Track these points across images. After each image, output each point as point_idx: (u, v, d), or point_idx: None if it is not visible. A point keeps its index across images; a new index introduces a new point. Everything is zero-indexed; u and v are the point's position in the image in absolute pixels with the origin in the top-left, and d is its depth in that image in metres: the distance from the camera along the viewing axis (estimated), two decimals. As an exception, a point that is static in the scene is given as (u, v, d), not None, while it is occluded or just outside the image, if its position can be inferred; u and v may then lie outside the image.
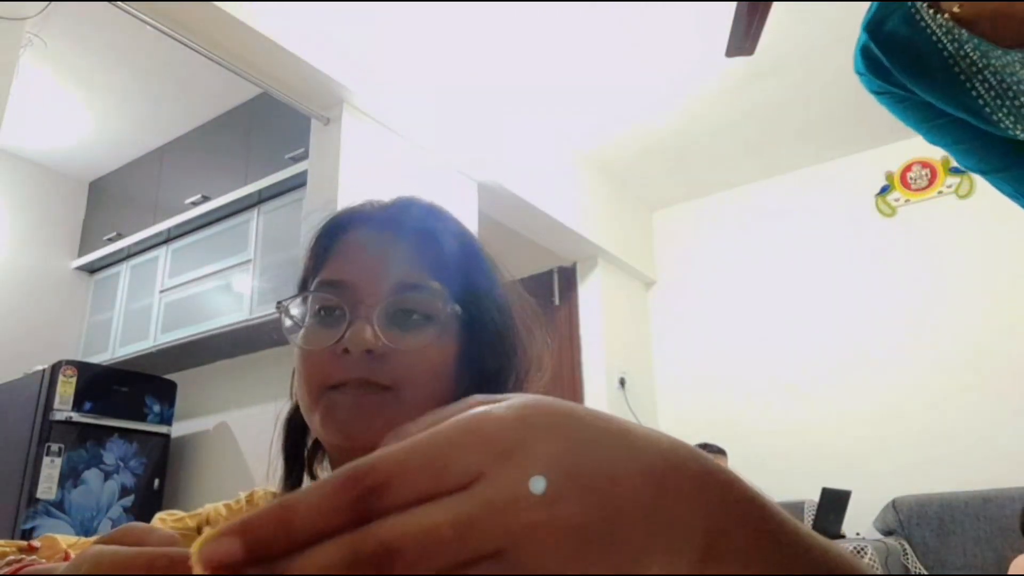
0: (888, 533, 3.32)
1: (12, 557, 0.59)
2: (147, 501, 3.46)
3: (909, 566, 3.17)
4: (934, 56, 0.79)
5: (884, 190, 3.98)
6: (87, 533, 3.04)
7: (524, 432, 0.24)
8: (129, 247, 3.93)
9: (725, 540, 0.26)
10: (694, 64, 3.34)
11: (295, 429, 0.69)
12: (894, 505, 3.38)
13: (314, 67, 2.57)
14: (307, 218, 2.70)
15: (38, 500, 3.12)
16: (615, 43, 3.22)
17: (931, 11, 0.78)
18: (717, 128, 3.84)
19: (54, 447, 3.22)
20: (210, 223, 3.60)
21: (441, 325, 0.61)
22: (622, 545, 0.24)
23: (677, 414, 4.29)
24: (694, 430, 3.84)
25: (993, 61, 0.76)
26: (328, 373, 0.59)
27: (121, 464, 3.42)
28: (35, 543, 0.65)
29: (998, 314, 3.54)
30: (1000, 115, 0.77)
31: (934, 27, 0.78)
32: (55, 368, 3.33)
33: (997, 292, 3.56)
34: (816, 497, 3.19)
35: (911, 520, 3.32)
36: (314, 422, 0.60)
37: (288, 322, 0.63)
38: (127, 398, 3.50)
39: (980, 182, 3.25)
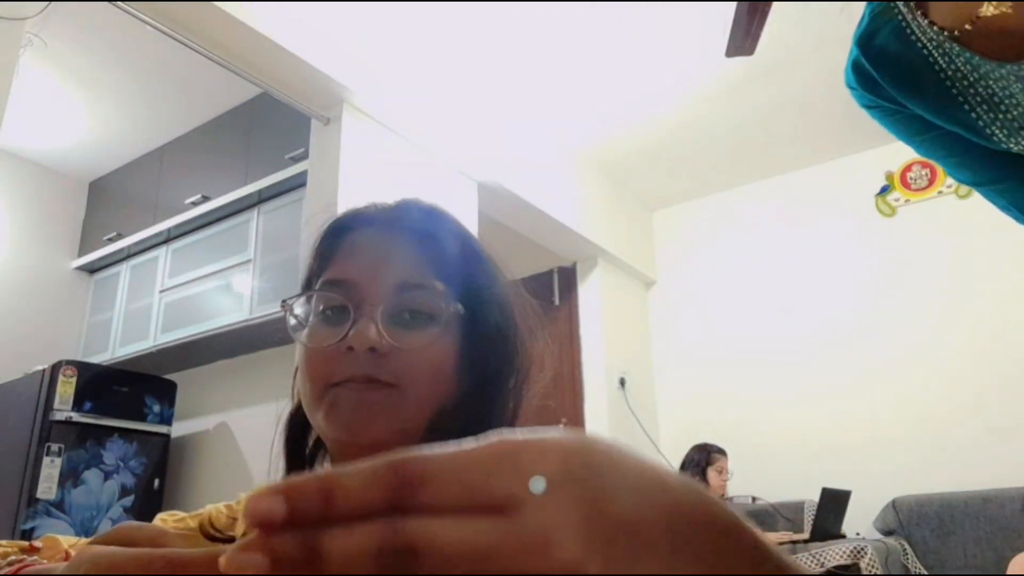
0: (888, 533, 3.32)
1: (13, 557, 0.59)
2: (147, 501, 3.46)
3: (909, 566, 3.17)
4: (925, 70, 0.79)
5: (884, 190, 3.98)
6: (87, 533, 3.04)
7: (565, 470, 0.25)
8: (129, 247, 3.93)
9: None
10: (694, 64, 3.34)
11: (296, 428, 0.69)
12: (894, 505, 3.38)
13: (314, 67, 2.57)
14: (309, 221, 2.69)
15: (38, 500, 3.13)
16: (615, 43, 3.22)
17: (922, 23, 0.77)
18: (717, 128, 3.85)
19: (54, 447, 3.22)
20: (210, 223, 3.60)
21: (443, 324, 0.61)
22: None
23: (677, 414, 4.30)
24: (694, 430, 3.85)
25: (985, 75, 0.75)
26: (332, 370, 0.59)
27: (121, 464, 3.42)
28: (37, 543, 0.65)
29: (998, 314, 3.54)
30: (993, 128, 0.77)
31: (924, 41, 0.78)
32: (55, 368, 3.33)
33: (997, 292, 3.56)
34: (816, 497, 3.19)
35: (911, 520, 3.32)
36: (317, 419, 0.61)
37: (292, 320, 0.64)
38: (127, 398, 3.50)
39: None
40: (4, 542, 0.64)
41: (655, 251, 4.69)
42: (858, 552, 2.81)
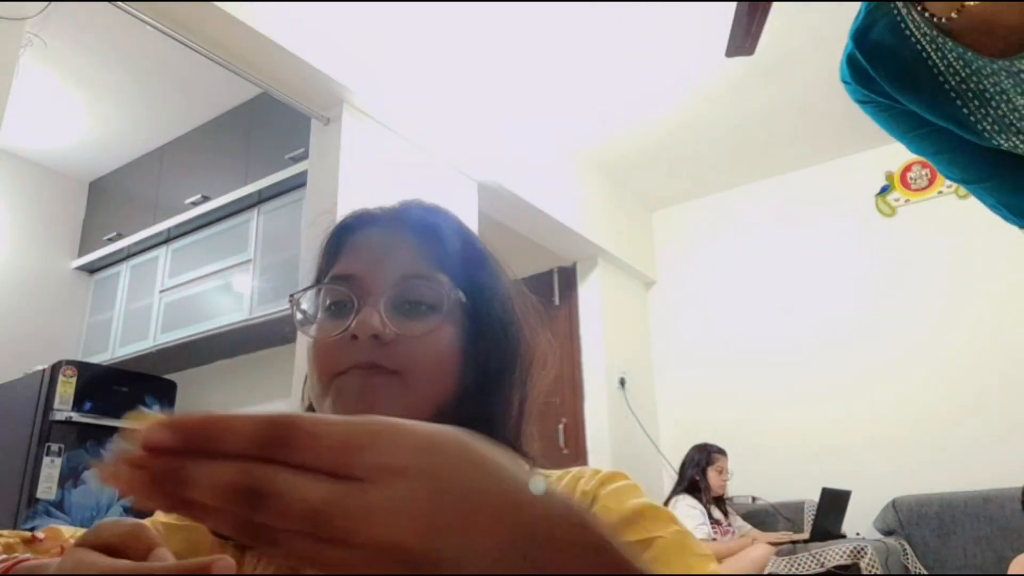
0: (888, 533, 3.32)
1: (4, 555, 0.60)
2: (147, 501, 3.45)
3: (909, 566, 3.17)
4: (919, 65, 0.79)
5: (884, 190, 3.98)
6: (87, 533, 3.03)
7: (424, 456, 0.28)
8: (129, 247, 3.93)
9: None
10: (694, 64, 3.34)
11: None
12: (894, 505, 3.38)
13: (314, 67, 2.57)
14: (313, 223, 2.69)
15: (38, 500, 3.12)
16: (615, 43, 3.22)
17: (916, 18, 0.77)
18: (717, 128, 3.84)
19: (54, 447, 3.22)
20: (210, 223, 3.60)
21: (446, 313, 0.63)
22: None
23: (677, 414, 4.29)
24: (694, 430, 3.85)
25: (977, 71, 0.75)
26: (338, 360, 0.61)
27: (121, 464, 3.42)
28: (39, 534, 0.65)
29: (998, 314, 3.54)
30: (985, 124, 0.77)
31: (919, 36, 0.78)
32: (55, 368, 3.33)
33: (997, 292, 3.56)
34: (816, 497, 3.19)
35: (911, 520, 3.32)
36: (324, 409, 0.62)
37: (299, 315, 0.66)
38: (127, 398, 3.50)
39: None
40: (6, 532, 0.65)
41: (655, 251, 4.69)
42: (858, 552, 2.81)
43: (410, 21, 3.01)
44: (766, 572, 2.96)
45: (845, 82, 0.88)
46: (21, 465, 3.21)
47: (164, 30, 2.30)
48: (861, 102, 0.88)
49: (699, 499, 3.38)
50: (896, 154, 3.90)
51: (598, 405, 4.00)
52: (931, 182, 3.85)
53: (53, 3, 2.29)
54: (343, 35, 2.71)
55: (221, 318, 3.34)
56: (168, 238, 3.79)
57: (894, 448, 3.60)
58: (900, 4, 0.79)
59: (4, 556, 0.60)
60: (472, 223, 3.24)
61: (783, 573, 2.91)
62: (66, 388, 3.29)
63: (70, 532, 0.65)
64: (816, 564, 2.87)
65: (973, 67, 0.75)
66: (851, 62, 0.86)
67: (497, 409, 0.65)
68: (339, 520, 0.26)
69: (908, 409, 3.63)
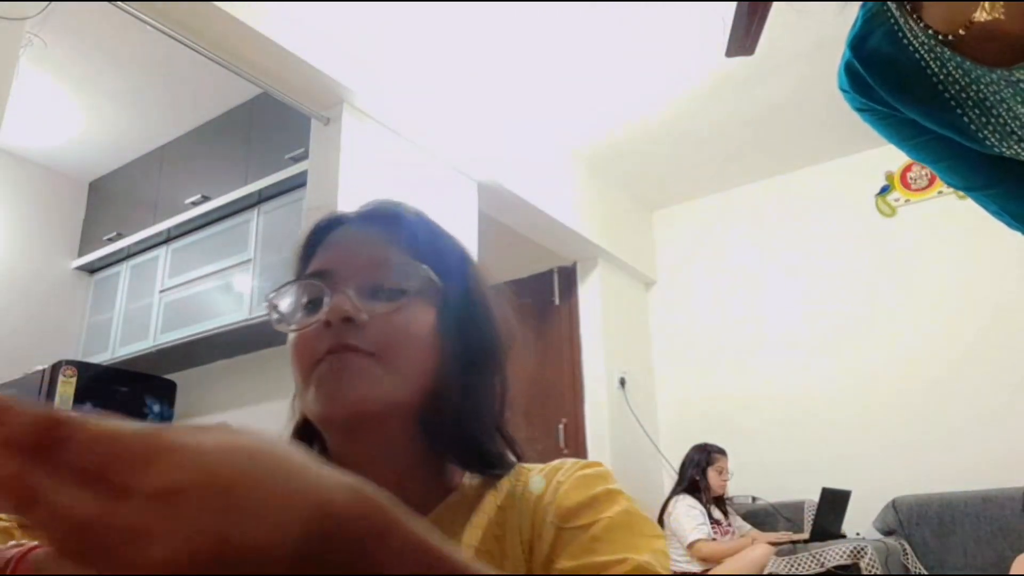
0: (888, 533, 3.32)
1: (14, 543, 0.60)
2: (147, 501, 3.45)
3: (909, 566, 3.17)
4: (918, 74, 0.78)
5: (884, 190, 3.98)
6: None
7: (205, 474, 0.27)
8: (129, 247, 3.92)
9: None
10: (694, 64, 3.34)
11: (300, 443, 0.70)
12: (894, 505, 3.38)
13: (314, 67, 2.57)
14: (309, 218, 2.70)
15: (38, 500, 3.12)
16: (615, 43, 3.22)
17: (914, 27, 0.76)
18: (718, 128, 3.84)
19: (54, 447, 3.21)
20: (210, 223, 3.59)
21: (416, 293, 0.64)
22: None
23: (677, 414, 4.29)
24: (694, 430, 3.85)
25: (976, 80, 0.75)
26: (314, 349, 0.62)
27: (121, 464, 3.41)
28: None
29: (998, 314, 3.54)
30: (986, 132, 0.77)
31: (917, 45, 0.77)
32: (55, 368, 3.33)
33: (997, 292, 3.56)
34: (816, 497, 3.19)
35: (911, 520, 3.32)
36: (307, 402, 0.62)
37: (276, 315, 0.67)
38: (127, 398, 3.50)
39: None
40: (3, 516, 0.65)
41: (655, 251, 4.69)
42: (858, 552, 2.81)
43: (410, 21, 3.01)
44: (766, 572, 2.96)
45: (843, 90, 0.87)
46: (21, 465, 3.20)
47: (164, 30, 2.30)
48: (860, 110, 0.88)
49: (699, 499, 3.38)
50: (896, 154, 3.86)
51: (598, 405, 4.00)
52: (931, 182, 3.85)
53: (53, 3, 2.29)
54: (343, 35, 2.71)
55: (221, 318, 3.34)
56: (168, 238, 3.79)
57: (894, 448, 3.60)
58: (897, 13, 0.78)
59: (13, 543, 0.60)
60: (472, 223, 3.24)
61: (783, 573, 2.91)
62: (66, 388, 3.29)
63: None
64: (816, 564, 2.87)
65: (972, 76, 0.75)
66: (849, 70, 0.85)
67: (480, 391, 0.66)
68: (104, 539, 0.25)
69: (908, 409, 3.63)
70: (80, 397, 3.32)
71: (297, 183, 3.11)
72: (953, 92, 0.77)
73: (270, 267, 3.22)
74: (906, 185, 3.93)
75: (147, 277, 3.82)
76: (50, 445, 0.26)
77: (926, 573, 3.19)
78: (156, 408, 3.61)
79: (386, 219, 0.69)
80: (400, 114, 2.92)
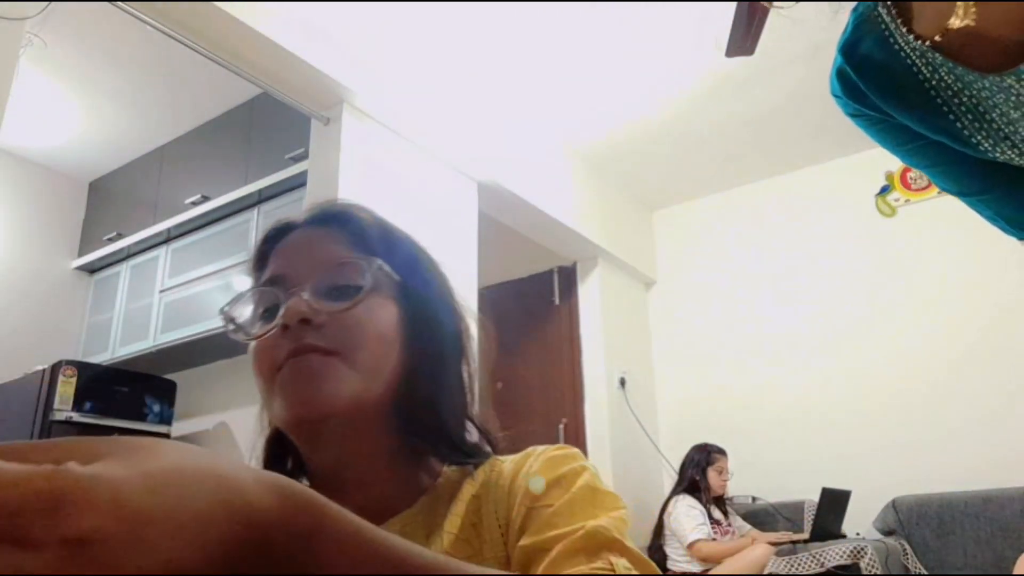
0: (888, 533, 3.32)
1: None
2: (147, 501, 3.45)
3: (909, 566, 3.17)
4: (910, 79, 0.78)
5: (884, 190, 3.98)
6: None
7: (111, 518, 0.25)
8: (129, 247, 3.92)
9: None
10: (694, 64, 3.34)
11: (275, 455, 0.70)
12: (894, 505, 3.38)
13: (314, 67, 2.57)
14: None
15: (38, 500, 3.12)
16: (615, 42, 3.22)
17: (904, 32, 0.76)
18: (717, 128, 3.84)
19: (54, 447, 3.21)
20: (210, 223, 3.59)
21: (372, 287, 0.63)
22: None
23: (677, 414, 4.29)
24: (694, 430, 3.85)
25: (969, 85, 0.74)
26: (275, 355, 0.61)
27: (121, 464, 3.41)
28: None
29: (998, 314, 3.54)
30: (979, 137, 0.76)
31: (908, 50, 0.77)
32: (55, 368, 3.33)
33: (997, 292, 3.56)
34: (816, 497, 3.19)
35: (911, 520, 3.32)
36: (274, 411, 0.61)
37: (232, 326, 0.66)
38: (127, 398, 3.50)
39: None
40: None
41: (655, 251, 4.69)
42: (858, 552, 2.81)
43: (410, 21, 3.01)
44: (766, 572, 2.96)
45: (835, 96, 0.87)
46: (21, 465, 3.20)
47: (164, 30, 2.29)
48: (852, 116, 0.88)
49: (699, 499, 3.38)
50: (896, 154, 3.89)
51: (598, 405, 4.00)
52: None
53: (53, 3, 2.29)
54: (343, 35, 2.71)
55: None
56: (168, 238, 3.79)
57: (894, 448, 3.60)
58: (888, 18, 0.78)
59: None
60: (472, 223, 3.24)
61: (783, 573, 2.91)
62: (66, 388, 3.29)
63: None
64: (816, 564, 2.87)
65: (965, 81, 0.74)
66: (841, 76, 0.85)
67: (449, 379, 0.66)
68: None
69: (908, 409, 3.63)
70: (80, 397, 3.32)
71: (297, 183, 3.11)
72: (945, 97, 0.77)
73: (270, 267, 3.21)
74: (906, 185, 3.93)
75: (147, 277, 3.82)
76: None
77: (926, 573, 3.19)
78: (156, 408, 3.61)
79: (335, 218, 0.69)
80: (400, 114, 2.92)
